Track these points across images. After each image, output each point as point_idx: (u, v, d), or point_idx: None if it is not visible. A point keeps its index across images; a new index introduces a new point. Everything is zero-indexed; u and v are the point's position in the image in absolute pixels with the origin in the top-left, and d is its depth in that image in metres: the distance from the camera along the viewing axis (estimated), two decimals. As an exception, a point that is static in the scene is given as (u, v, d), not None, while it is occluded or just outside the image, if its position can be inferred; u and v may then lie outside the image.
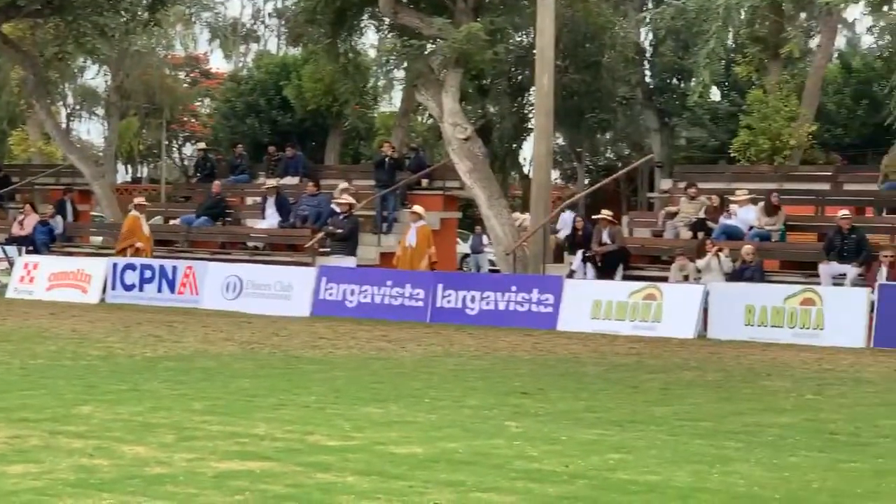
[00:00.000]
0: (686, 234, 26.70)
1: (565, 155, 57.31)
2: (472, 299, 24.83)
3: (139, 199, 31.40)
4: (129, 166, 71.27)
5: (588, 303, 23.77)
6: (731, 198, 26.88)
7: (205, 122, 64.36)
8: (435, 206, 31.01)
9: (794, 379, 16.77)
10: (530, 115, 41.86)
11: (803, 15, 38.69)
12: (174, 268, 27.82)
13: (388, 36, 32.06)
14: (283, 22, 55.40)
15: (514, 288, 24.62)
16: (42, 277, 29.04)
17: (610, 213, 27.13)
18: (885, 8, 31.71)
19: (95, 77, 60.68)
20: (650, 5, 48.13)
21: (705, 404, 14.02)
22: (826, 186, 28.37)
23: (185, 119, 67.96)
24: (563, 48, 38.73)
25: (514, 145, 49.37)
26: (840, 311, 21.96)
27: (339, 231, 27.91)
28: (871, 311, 21.79)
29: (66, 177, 36.71)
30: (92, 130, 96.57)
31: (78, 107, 63.96)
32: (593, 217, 28.14)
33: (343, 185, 30.92)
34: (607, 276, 25.54)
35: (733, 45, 40.00)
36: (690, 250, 25.12)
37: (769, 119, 32.56)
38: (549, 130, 28.92)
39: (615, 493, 9.00)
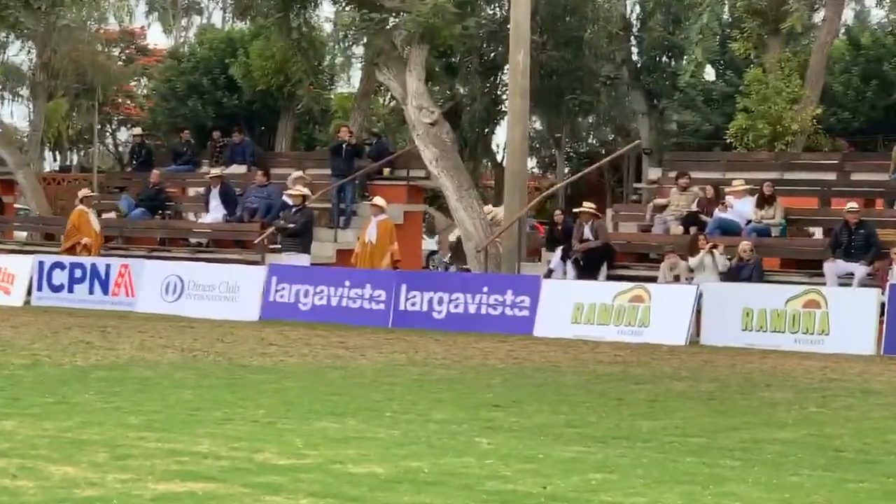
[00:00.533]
0: (677, 228, 26.80)
1: (543, 141, 57.32)
2: (440, 301, 24.89)
3: (85, 192, 31.21)
4: (57, 153, 70.91)
5: (568, 305, 23.85)
6: (727, 189, 26.98)
7: (142, 104, 64.08)
8: (398, 197, 31.07)
9: (796, 390, 16.85)
10: (504, 97, 41.84)
11: (807, -15, 38.81)
12: (107, 266, 27.77)
13: (346, 8, 32.08)
14: (228, -8, 55.33)
15: (485, 289, 24.67)
16: (-41, 278, 28.97)
17: (593, 205, 27.15)
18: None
19: (19, 54, 60.46)
20: (637, -26, 48.28)
21: (697, 418, 14.08)
22: (832, 176, 28.54)
23: (120, 101, 67.63)
24: (540, 22, 38.70)
25: (486, 130, 49.27)
26: (847, 314, 22.07)
27: (292, 226, 27.88)
28: (882, 314, 21.90)
29: (-15, 165, 36.64)
30: (16, 113, 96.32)
31: (0, 87, 63.66)
32: (574, 210, 28.19)
33: (296, 174, 30.95)
34: (589, 276, 25.60)
35: (729, 20, 40.08)
36: (682, 247, 25.20)
37: (769, 101, 32.62)
38: (525, 113, 28.99)
39: (598, 516, 9.05)
